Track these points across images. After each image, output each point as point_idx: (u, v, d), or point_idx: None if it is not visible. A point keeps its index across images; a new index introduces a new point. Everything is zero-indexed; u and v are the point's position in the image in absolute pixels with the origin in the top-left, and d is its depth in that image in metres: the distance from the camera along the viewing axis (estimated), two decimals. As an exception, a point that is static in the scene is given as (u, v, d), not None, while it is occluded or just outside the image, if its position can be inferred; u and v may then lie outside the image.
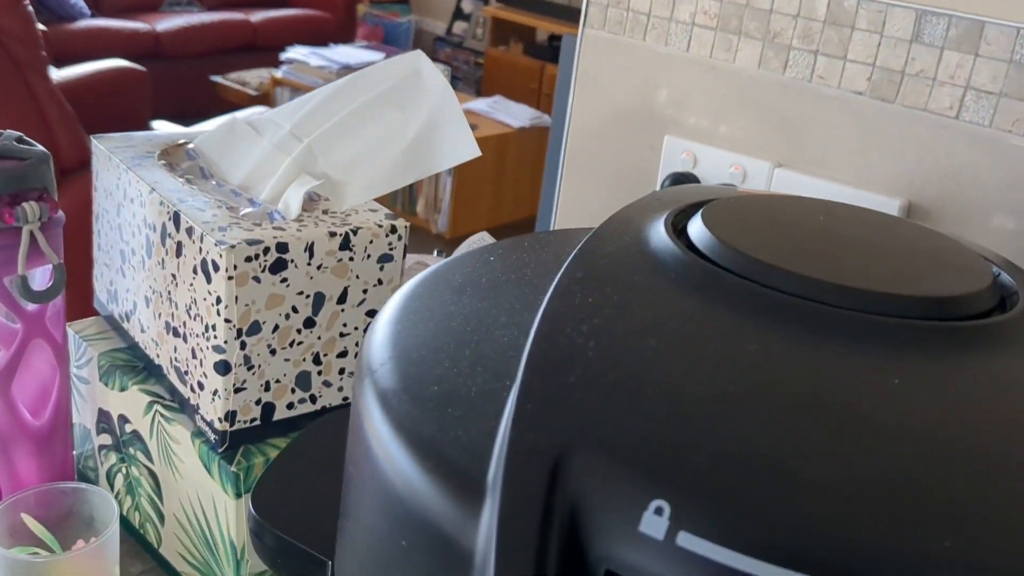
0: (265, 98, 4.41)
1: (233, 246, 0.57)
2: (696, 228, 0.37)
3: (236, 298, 0.58)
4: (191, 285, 0.60)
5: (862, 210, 0.41)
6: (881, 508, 0.25)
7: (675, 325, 0.32)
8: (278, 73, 4.44)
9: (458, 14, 6.50)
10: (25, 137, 0.65)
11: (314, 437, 0.48)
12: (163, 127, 3.30)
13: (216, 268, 0.57)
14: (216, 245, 0.57)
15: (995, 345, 0.32)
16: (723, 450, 0.26)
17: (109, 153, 0.69)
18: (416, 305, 0.38)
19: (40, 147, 0.64)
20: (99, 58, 3.54)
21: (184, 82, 4.64)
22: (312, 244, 0.60)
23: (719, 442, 0.27)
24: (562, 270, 0.35)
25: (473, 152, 0.66)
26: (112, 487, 0.74)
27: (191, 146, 0.72)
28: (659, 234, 0.37)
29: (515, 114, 4.10)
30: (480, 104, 4.18)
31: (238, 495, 0.61)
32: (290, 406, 0.63)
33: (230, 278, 0.57)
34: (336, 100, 0.69)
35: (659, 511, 0.25)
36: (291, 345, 0.62)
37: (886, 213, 0.41)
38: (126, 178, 0.66)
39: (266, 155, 0.67)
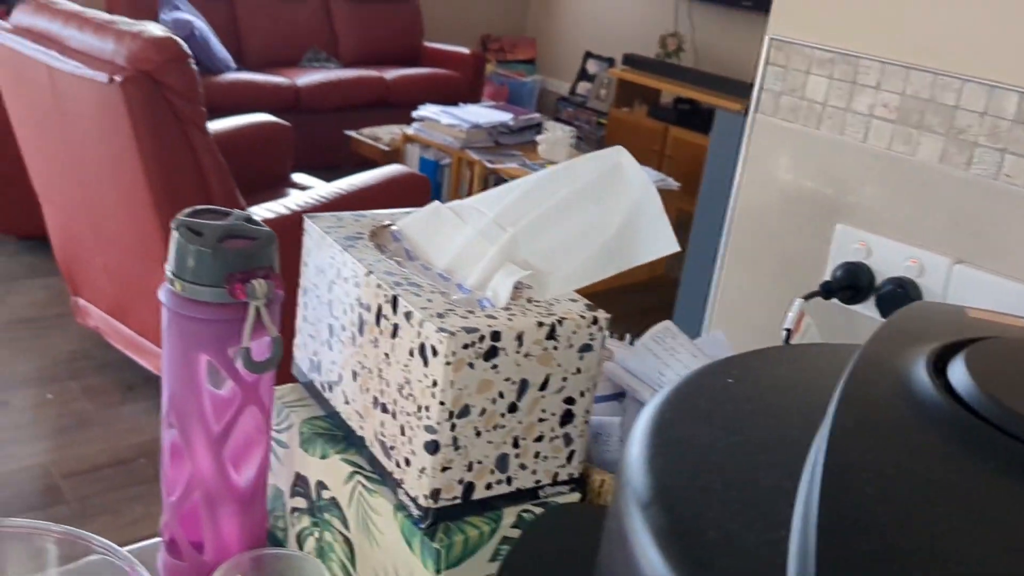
0: (396, 154, 4.55)
1: (454, 333, 0.59)
2: (962, 380, 0.37)
3: (452, 382, 0.60)
4: (405, 366, 0.63)
5: None
6: None
7: (961, 494, 0.32)
8: (409, 130, 4.57)
9: (583, 75, 6.60)
10: (253, 217, 0.70)
11: (541, 533, 0.50)
12: (302, 179, 3.44)
13: (435, 353, 0.60)
14: (437, 332, 0.60)
15: None
16: None
17: (324, 232, 0.73)
18: (670, 434, 0.40)
19: (267, 228, 0.68)
20: (243, 109, 3.72)
21: (320, 135, 4.82)
22: (522, 333, 0.62)
23: None
24: (830, 418, 0.36)
25: (672, 247, 0.68)
26: (302, 549, 0.77)
27: (395, 228, 0.75)
28: (923, 383, 0.37)
29: (641, 177, 4.11)
30: (606, 165, 4.21)
31: (438, 571, 0.63)
32: (488, 486, 0.66)
33: (448, 363, 0.60)
34: (539, 192, 0.72)
35: None
36: (495, 428, 0.64)
37: None
38: (341, 258, 0.70)
39: (470, 241, 0.70)
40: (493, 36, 6.99)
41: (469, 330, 0.60)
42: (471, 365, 0.61)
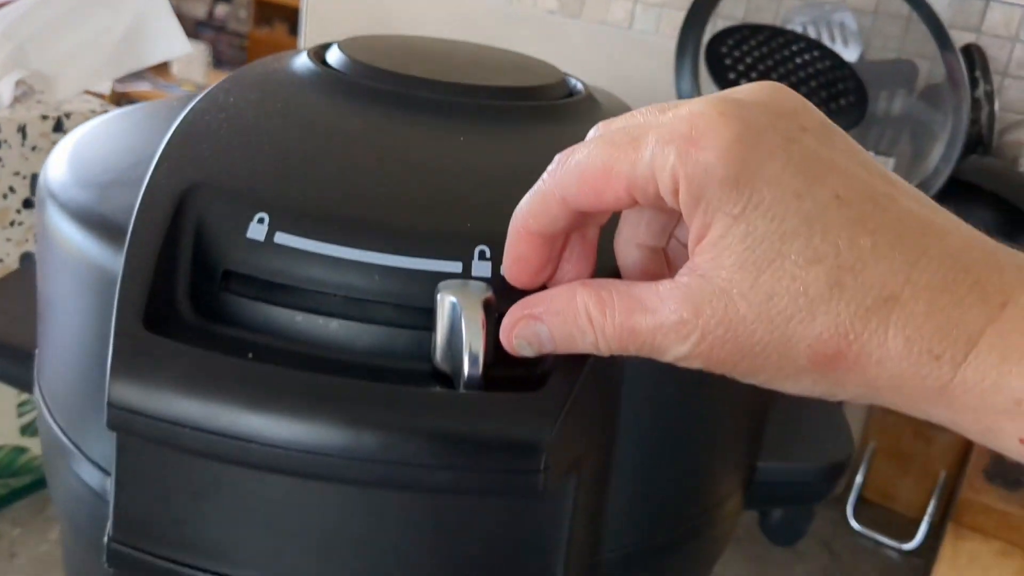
0: None
1: (-57, 123, 0.60)
2: (332, 52, 0.45)
3: (-50, 175, 0.61)
4: (-96, 169, 0.63)
5: (478, 45, 0.50)
6: (415, 208, 0.35)
7: (296, 112, 0.40)
8: None
9: (220, -5, 6.36)
10: None
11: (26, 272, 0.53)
12: None
13: (-73, 146, 0.61)
14: (-75, 123, 0.60)
15: (550, 120, 0.42)
16: (307, 179, 0.35)
17: None
18: (93, 132, 0.44)
19: None
20: None
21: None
22: (25, 126, 0.64)
23: (306, 175, 0.35)
24: (209, 89, 0.42)
25: (184, 48, 0.72)
26: None
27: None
28: (301, 57, 0.45)
29: (281, 89, 4.08)
30: (245, 80, 4.13)
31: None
32: (16, 286, 0.67)
33: (-58, 154, 0.61)
34: (48, 2, 0.72)
35: (260, 220, 0.33)
36: (12, 225, 0.66)
37: (500, 48, 0.50)
38: None
39: (-22, 55, 0.70)
40: (118, -45, 6.54)
41: (-38, 121, 0.61)
42: (-30, 157, 0.62)
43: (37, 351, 0.44)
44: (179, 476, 0.32)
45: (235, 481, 0.32)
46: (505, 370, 0.31)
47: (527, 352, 0.29)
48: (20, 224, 0.66)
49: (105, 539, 0.34)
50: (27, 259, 0.59)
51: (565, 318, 0.28)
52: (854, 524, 0.81)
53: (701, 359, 0.25)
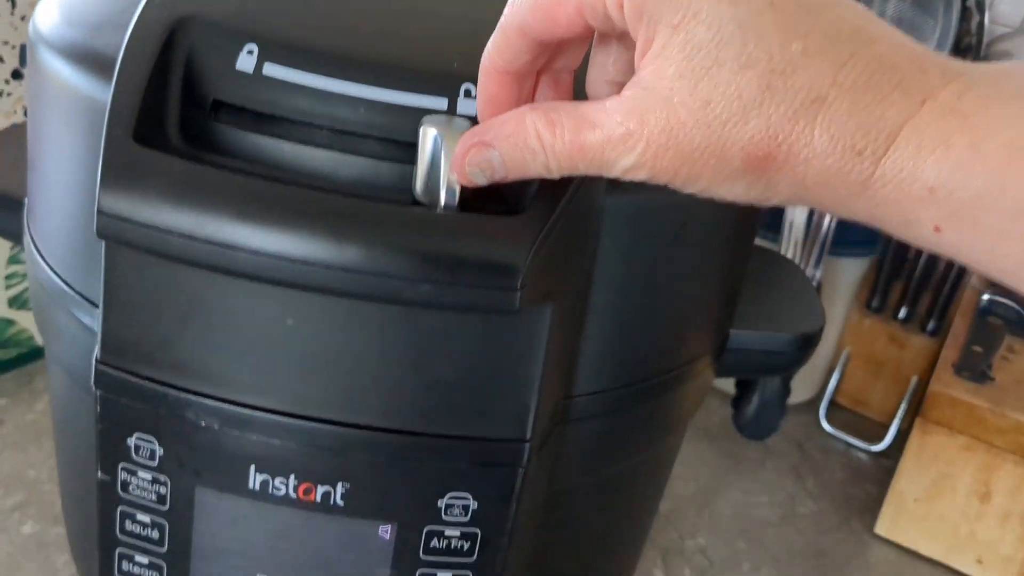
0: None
1: (-69, -15, 0.60)
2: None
3: (-62, 39, 0.61)
4: None
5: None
6: (404, 45, 0.35)
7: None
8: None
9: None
10: None
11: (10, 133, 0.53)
12: None
13: (-85, 8, 0.60)
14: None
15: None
16: (297, 13, 0.35)
17: None
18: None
19: None
20: None
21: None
22: (14, -6, 0.64)
23: (296, 9, 0.35)
24: None
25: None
26: None
27: None
28: None
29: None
30: None
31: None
32: (4, 158, 0.67)
33: (-70, 17, 0.60)
34: None
35: (250, 52, 0.34)
36: (3, 96, 0.66)
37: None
38: None
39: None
40: None
41: (-49, -15, 0.61)
42: (-41, 22, 0.62)
43: (27, 199, 0.45)
44: (166, 295, 0.33)
45: (221, 300, 0.32)
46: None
47: (481, 180, 0.30)
48: (8, 95, 0.66)
49: (93, 361, 0.35)
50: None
51: (516, 141, 0.28)
52: (826, 426, 0.83)
53: (646, 169, 0.26)
